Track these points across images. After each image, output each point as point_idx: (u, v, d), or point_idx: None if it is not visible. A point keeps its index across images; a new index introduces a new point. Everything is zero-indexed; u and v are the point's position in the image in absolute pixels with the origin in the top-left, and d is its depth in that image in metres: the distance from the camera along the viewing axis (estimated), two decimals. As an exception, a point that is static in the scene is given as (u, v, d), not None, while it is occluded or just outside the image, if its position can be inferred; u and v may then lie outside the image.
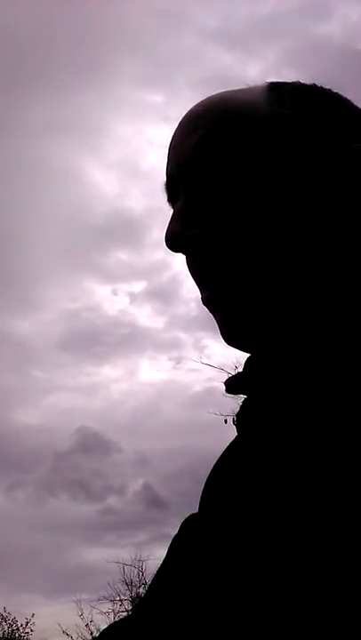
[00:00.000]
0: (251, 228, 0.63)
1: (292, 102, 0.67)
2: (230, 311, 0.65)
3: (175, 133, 0.70)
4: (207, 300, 0.67)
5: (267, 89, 0.69)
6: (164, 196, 0.71)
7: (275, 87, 0.69)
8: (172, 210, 0.68)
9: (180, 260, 0.68)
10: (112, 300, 31.16)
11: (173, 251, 0.66)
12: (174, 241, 0.66)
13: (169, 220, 0.67)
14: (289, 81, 0.70)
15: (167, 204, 0.71)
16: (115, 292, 31.29)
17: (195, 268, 0.67)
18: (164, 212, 0.70)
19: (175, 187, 0.69)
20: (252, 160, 0.64)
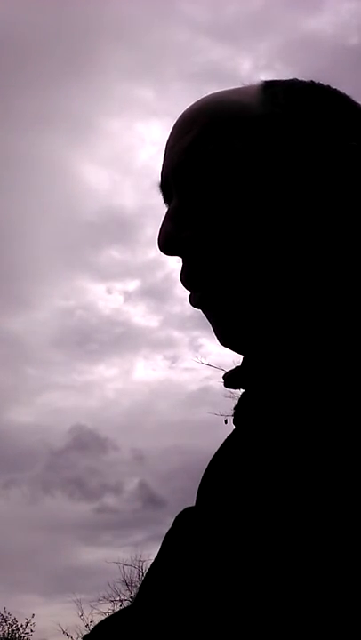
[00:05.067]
0: (244, 229, 0.63)
1: (285, 101, 0.66)
2: (223, 309, 0.65)
3: (170, 135, 0.70)
4: (199, 301, 0.66)
5: (261, 88, 0.68)
6: (160, 197, 0.71)
7: (269, 86, 0.68)
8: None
9: (174, 258, 0.68)
10: (106, 298, 31.14)
11: (166, 254, 0.66)
12: (167, 244, 0.65)
13: (161, 221, 0.66)
14: (285, 79, 0.70)
15: (164, 205, 0.70)
16: (109, 291, 31.21)
17: (186, 270, 0.67)
18: (158, 210, 0.70)
19: (169, 188, 0.69)
20: (244, 161, 0.64)
